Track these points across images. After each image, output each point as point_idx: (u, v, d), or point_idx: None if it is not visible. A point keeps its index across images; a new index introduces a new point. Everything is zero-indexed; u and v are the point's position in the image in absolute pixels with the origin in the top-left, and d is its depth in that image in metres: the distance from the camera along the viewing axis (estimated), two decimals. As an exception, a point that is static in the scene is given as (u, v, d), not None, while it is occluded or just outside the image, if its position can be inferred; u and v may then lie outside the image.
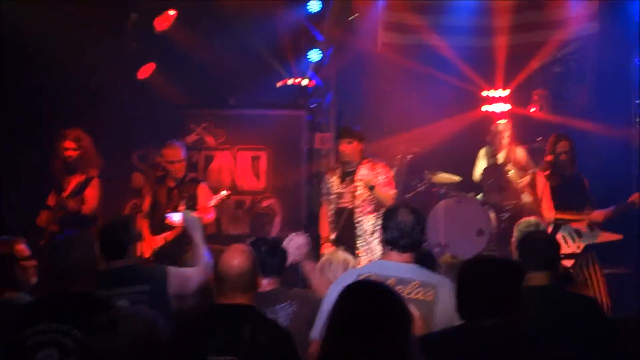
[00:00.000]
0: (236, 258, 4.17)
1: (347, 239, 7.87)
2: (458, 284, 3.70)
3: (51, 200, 8.44)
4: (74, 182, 8.45)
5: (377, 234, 7.64)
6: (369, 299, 2.94)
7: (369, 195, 7.99)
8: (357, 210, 7.97)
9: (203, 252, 5.35)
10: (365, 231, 7.95)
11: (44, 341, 3.98)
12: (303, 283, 5.81)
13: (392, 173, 8.19)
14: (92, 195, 8.47)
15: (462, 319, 3.66)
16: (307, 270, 5.49)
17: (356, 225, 7.97)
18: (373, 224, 7.89)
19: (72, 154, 8.48)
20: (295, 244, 5.41)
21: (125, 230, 5.14)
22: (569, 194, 8.26)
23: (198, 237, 5.46)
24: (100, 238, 5.02)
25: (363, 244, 7.92)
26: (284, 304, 4.87)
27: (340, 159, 8.28)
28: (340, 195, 8.05)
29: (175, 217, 5.83)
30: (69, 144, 8.50)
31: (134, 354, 2.97)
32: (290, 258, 5.22)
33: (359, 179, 7.99)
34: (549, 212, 8.45)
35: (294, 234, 6.04)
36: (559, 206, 8.25)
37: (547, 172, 8.53)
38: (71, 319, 4.00)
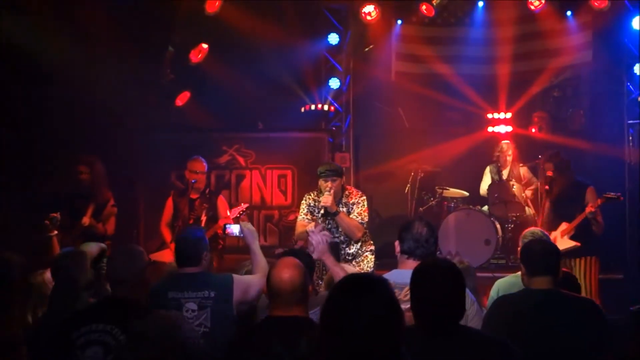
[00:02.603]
0: (287, 273, 4.14)
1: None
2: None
3: (66, 222, 8.38)
4: (91, 206, 8.78)
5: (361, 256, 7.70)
6: (353, 296, 2.83)
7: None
8: (343, 245, 7.67)
9: (262, 260, 5.44)
10: (353, 256, 7.71)
11: (92, 340, 4.35)
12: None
13: (365, 205, 7.66)
14: (113, 220, 9.05)
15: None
16: (329, 263, 5.21)
17: (346, 256, 7.66)
18: (357, 248, 7.74)
19: (84, 177, 8.91)
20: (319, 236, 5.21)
21: (199, 240, 5.31)
22: (564, 205, 8.62)
23: (256, 246, 5.52)
24: (177, 247, 5.36)
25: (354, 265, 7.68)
26: (315, 310, 4.62)
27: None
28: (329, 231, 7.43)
29: (235, 229, 6.15)
30: (82, 167, 8.90)
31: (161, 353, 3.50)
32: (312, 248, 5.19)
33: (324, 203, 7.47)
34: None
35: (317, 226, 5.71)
36: (560, 218, 8.54)
37: (544, 191, 8.94)
38: (115, 320, 4.36)
